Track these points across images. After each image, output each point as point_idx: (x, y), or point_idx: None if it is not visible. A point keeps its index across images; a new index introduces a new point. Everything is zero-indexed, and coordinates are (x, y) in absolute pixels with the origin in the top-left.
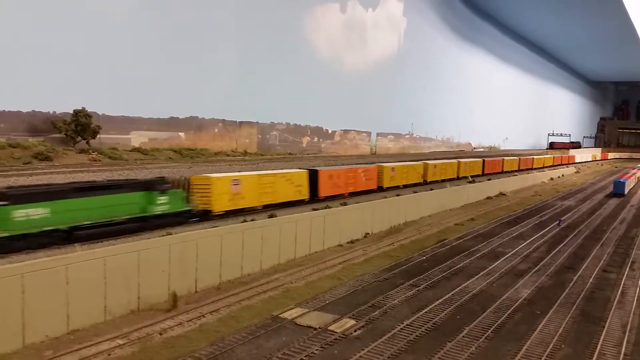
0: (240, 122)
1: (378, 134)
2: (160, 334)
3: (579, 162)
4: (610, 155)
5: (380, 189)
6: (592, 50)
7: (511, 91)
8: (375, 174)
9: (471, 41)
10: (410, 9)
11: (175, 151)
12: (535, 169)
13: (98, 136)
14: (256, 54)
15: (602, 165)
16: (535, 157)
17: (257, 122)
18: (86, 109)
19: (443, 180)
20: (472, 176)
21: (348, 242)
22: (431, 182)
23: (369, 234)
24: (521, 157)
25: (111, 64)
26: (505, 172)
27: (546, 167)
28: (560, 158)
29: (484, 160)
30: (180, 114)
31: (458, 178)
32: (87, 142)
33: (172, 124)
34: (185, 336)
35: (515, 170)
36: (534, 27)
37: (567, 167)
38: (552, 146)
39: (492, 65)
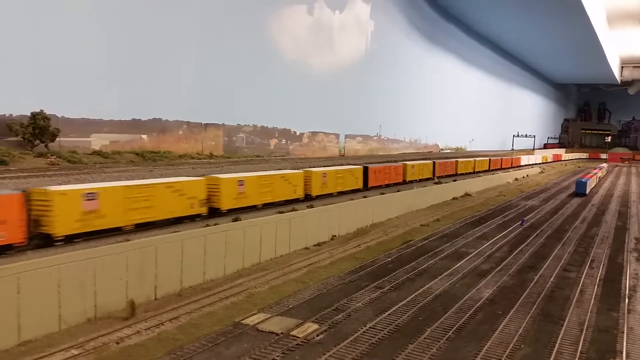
0: (206, 124)
1: (347, 136)
2: (117, 343)
3: (525, 165)
4: (569, 155)
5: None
6: (555, 54)
7: (477, 93)
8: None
9: (438, 44)
10: (377, 12)
11: (137, 154)
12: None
13: (57, 139)
14: (222, 55)
15: (565, 165)
16: (460, 159)
17: (224, 124)
18: (44, 111)
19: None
20: (438, 177)
21: (315, 245)
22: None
23: (335, 236)
24: (437, 161)
25: (71, 65)
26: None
27: (477, 172)
28: (499, 161)
29: (366, 168)
30: (143, 116)
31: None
32: (46, 146)
33: (134, 126)
34: (142, 345)
35: (428, 178)
36: (499, 31)
37: (532, 167)
38: (546, 146)
39: (458, 67)
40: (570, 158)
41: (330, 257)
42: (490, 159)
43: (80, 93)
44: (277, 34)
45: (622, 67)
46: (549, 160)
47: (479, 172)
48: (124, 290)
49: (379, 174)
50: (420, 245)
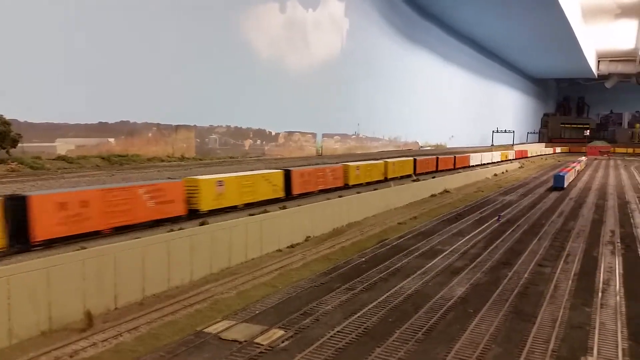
0: (177, 126)
1: (324, 135)
2: (71, 356)
3: (476, 165)
4: (537, 149)
5: None
6: (533, 50)
7: (457, 90)
8: None
9: (416, 42)
10: (352, 10)
11: (103, 158)
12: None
13: (19, 145)
14: (193, 54)
15: (545, 159)
16: (352, 164)
17: (195, 126)
18: (4, 116)
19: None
20: (415, 175)
21: (288, 247)
22: None
23: (310, 237)
24: (293, 170)
25: (32, 67)
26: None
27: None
28: (432, 161)
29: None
30: (109, 119)
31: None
32: (7, 152)
33: (101, 129)
34: (98, 358)
35: (267, 202)
36: (476, 28)
37: (511, 163)
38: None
39: (437, 64)
40: (542, 153)
41: (302, 259)
42: (415, 159)
43: (44, 97)
44: (249, 33)
45: (599, 61)
46: (510, 157)
47: (391, 179)
48: (81, 301)
49: (90, 207)
50: (396, 244)
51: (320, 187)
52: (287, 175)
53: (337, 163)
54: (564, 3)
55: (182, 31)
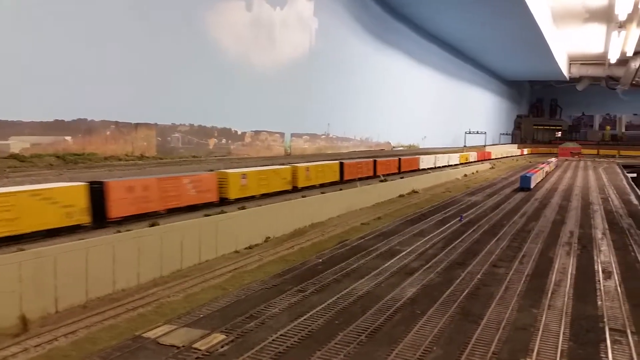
0: (137, 124)
1: (293, 135)
2: None
3: (427, 169)
4: (508, 151)
5: None
6: (505, 53)
7: (430, 91)
8: None
9: (387, 42)
10: (321, 9)
11: (58, 157)
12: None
13: None
14: (153, 50)
15: (517, 160)
16: (259, 169)
17: (156, 124)
18: None
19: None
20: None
21: (246, 248)
22: None
23: (270, 238)
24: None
25: None
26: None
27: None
28: (367, 165)
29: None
30: (66, 117)
31: None
32: None
33: (57, 127)
34: None
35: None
36: (449, 30)
37: (482, 163)
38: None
39: (408, 66)
40: (512, 154)
41: (259, 261)
42: (342, 163)
43: None
44: (214, 31)
45: (570, 64)
46: (471, 160)
47: (304, 189)
48: (17, 304)
49: None
50: (356, 244)
51: (173, 204)
52: (97, 191)
53: (210, 170)
54: (533, 7)
55: (144, 27)
